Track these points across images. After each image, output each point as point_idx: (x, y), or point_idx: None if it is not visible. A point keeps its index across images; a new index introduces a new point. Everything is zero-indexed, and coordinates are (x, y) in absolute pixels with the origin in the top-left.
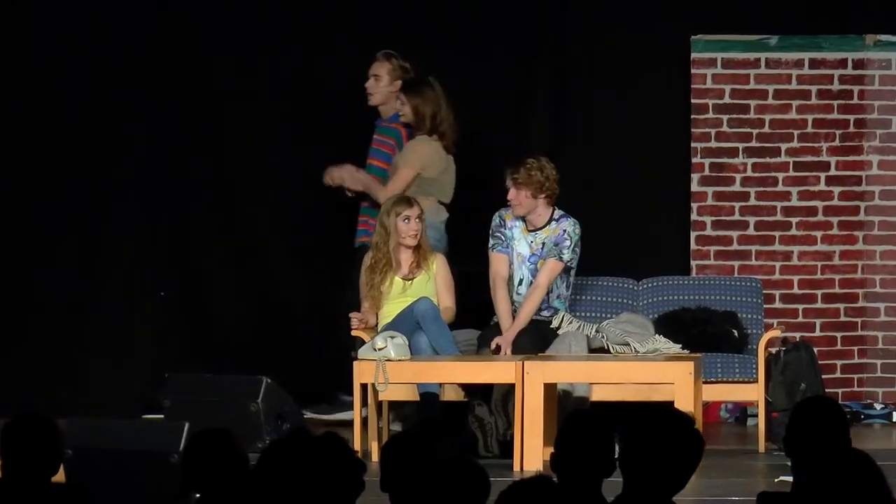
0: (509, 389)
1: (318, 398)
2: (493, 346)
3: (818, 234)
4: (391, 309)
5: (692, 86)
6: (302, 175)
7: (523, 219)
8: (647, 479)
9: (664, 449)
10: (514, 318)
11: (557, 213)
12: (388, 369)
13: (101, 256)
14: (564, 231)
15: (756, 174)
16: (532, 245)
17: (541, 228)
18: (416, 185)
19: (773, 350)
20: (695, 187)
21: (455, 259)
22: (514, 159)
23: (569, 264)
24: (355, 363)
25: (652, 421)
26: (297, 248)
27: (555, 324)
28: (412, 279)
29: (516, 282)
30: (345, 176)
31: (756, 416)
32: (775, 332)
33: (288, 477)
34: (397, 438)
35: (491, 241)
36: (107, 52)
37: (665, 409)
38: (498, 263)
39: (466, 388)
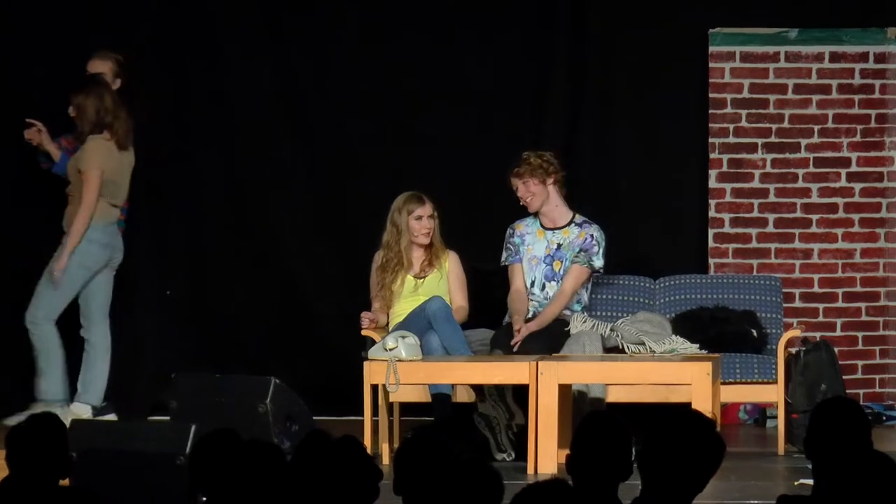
0: None
1: (327, 399)
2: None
3: (839, 231)
4: (402, 308)
5: (710, 80)
6: (311, 173)
7: (539, 220)
8: (666, 481)
9: (684, 451)
10: (527, 318)
11: (579, 217)
12: (399, 370)
13: None
14: (591, 236)
15: (775, 170)
16: (549, 245)
17: (560, 228)
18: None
19: (793, 350)
20: (713, 184)
21: (466, 257)
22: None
23: (600, 271)
24: (365, 363)
25: (673, 423)
26: (307, 247)
27: (570, 325)
28: (424, 277)
29: (528, 283)
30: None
31: (775, 417)
32: (795, 332)
33: (305, 479)
34: (411, 441)
35: (504, 255)
36: (114, 48)
37: (686, 412)
38: (512, 275)
39: (477, 389)
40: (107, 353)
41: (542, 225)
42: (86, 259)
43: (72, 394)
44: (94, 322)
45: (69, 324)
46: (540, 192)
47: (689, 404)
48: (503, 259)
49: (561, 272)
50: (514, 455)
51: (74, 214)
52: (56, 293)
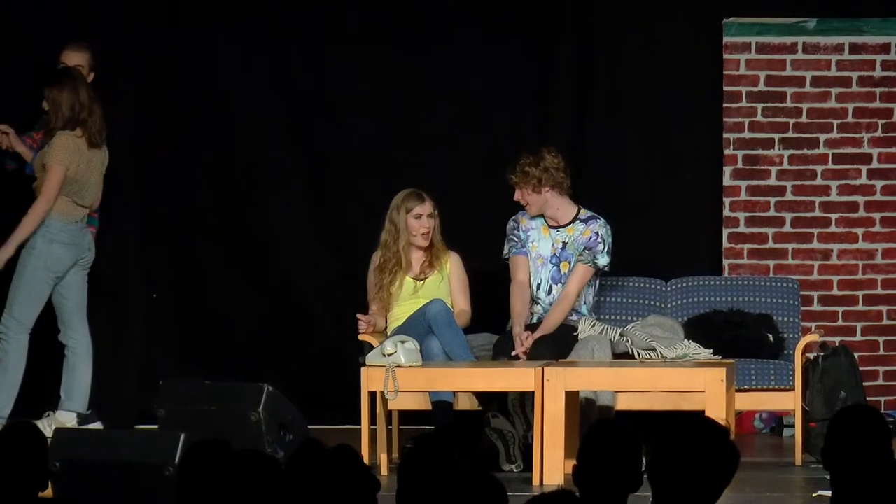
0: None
1: (323, 407)
2: (518, 341)
3: (859, 231)
4: (402, 311)
5: (724, 72)
6: (309, 173)
7: (543, 217)
8: (678, 492)
9: (696, 462)
10: (531, 323)
11: (584, 213)
12: (399, 376)
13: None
14: (597, 234)
15: (793, 167)
16: (555, 243)
17: (564, 226)
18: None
19: (811, 355)
20: (727, 181)
21: (468, 258)
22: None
23: (604, 269)
24: (363, 370)
25: (684, 432)
26: (304, 248)
27: (578, 330)
28: (424, 279)
29: (534, 286)
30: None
31: (792, 426)
32: (813, 337)
33: (299, 491)
34: (416, 451)
35: (506, 247)
36: (107, 48)
37: (698, 419)
38: (516, 267)
39: (480, 396)
40: (88, 357)
41: (546, 222)
42: (49, 261)
43: (55, 403)
44: (71, 326)
45: (52, 330)
46: (535, 200)
47: (702, 412)
48: (506, 251)
49: (568, 274)
50: (522, 466)
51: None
52: (27, 299)
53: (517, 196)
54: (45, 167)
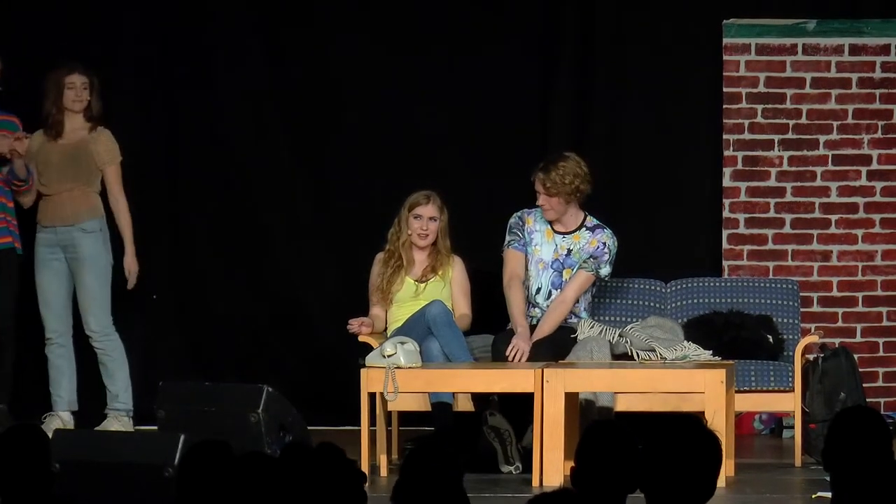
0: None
1: (322, 408)
2: (510, 349)
3: (859, 232)
4: (402, 313)
5: (724, 73)
6: (307, 175)
7: (549, 221)
8: (669, 494)
9: (678, 459)
10: (529, 325)
11: (591, 220)
12: (398, 377)
13: None
14: (604, 244)
15: (792, 168)
16: (558, 249)
17: (570, 233)
18: (95, 179)
19: (811, 357)
20: (727, 182)
21: (468, 258)
22: (545, 163)
23: (605, 279)
24: (363, 371)
25: (660, 433)
26: (303, 249)
27: (577, 332)
28: (425, 282)
29: (533, 290)
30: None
31: (792, 427)
32: (813, 338)
33: (285, 490)
34: (416, 453)
35: (507, 238)
36: (107, 48)
37: (671, 418)
38: (513, 261)
39: (476, 398)
40: (71, 354)
41: (551, 226)
42: (110, 255)
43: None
44: (62, 322)
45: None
46: (559, 209)
47: (701, 413)
48: (506, 242)
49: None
50: (521, 467)
51: (78, 207)
52: (106, 294)
53: (542, 200)
54: (98, 167)
